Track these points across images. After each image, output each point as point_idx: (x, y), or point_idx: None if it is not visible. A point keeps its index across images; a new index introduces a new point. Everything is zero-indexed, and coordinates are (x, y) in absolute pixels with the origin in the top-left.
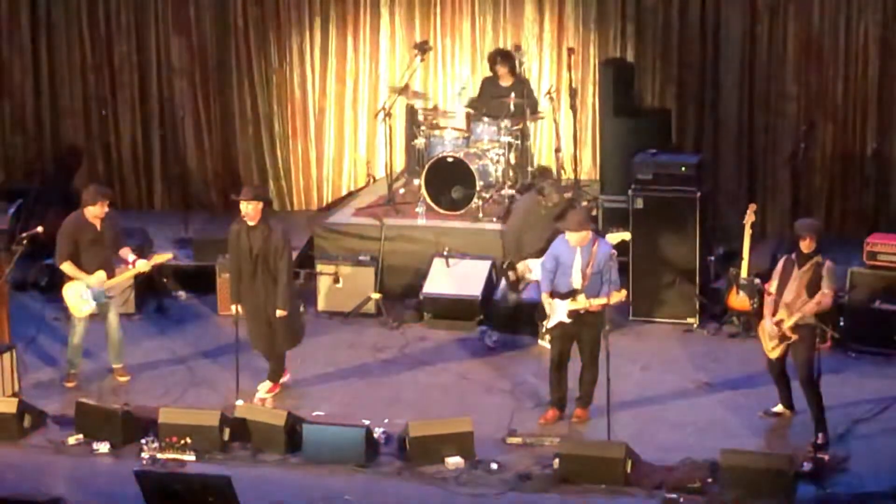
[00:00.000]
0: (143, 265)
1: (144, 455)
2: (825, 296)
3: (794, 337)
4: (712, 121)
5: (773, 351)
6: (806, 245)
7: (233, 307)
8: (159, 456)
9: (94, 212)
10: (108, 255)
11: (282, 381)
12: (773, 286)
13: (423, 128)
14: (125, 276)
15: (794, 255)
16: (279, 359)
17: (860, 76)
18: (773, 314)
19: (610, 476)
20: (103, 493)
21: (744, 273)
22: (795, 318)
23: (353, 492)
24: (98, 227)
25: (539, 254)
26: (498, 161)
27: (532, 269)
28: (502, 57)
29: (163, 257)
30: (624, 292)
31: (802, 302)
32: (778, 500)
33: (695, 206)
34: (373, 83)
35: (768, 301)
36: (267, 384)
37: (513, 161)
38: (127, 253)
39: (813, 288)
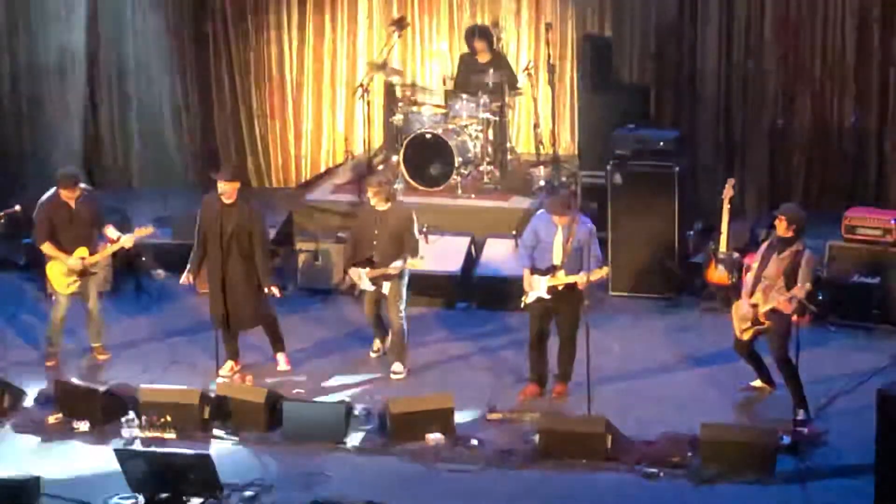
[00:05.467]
0: (125, 240)
1: (125, 434)
2: (797, 294)
3: (768, 324)
4: (690, 96)
5: (745, 333)
6: (780, 228)
7: (185, 275)
8: (140, 434)
9: (66, 193)
10: (88, 233)
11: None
12: (752, 270)
13: (401, 104)
14: (107, 252)
15: (775, 240)
16: (271, 329)
17: (838, 49)
18: (750, 296)
19: (590, 451)
20: (83, 471)
21: (722, 248)
22: (769, 305)
23: (334, 469)
24: (72, 206)
25: (365, 264)
26: (476, 137)
27: (362, 278)
28: (479, 33)
29: (144, 231)
30: (606, 269)
31: (778, 289)
32: (758, 474)
33: (673, 181)
34: (350, 60)
35: (745, 282)
36: (281, 356)
37: (491, 137)
38: (111, 231)
39: (790, 275)
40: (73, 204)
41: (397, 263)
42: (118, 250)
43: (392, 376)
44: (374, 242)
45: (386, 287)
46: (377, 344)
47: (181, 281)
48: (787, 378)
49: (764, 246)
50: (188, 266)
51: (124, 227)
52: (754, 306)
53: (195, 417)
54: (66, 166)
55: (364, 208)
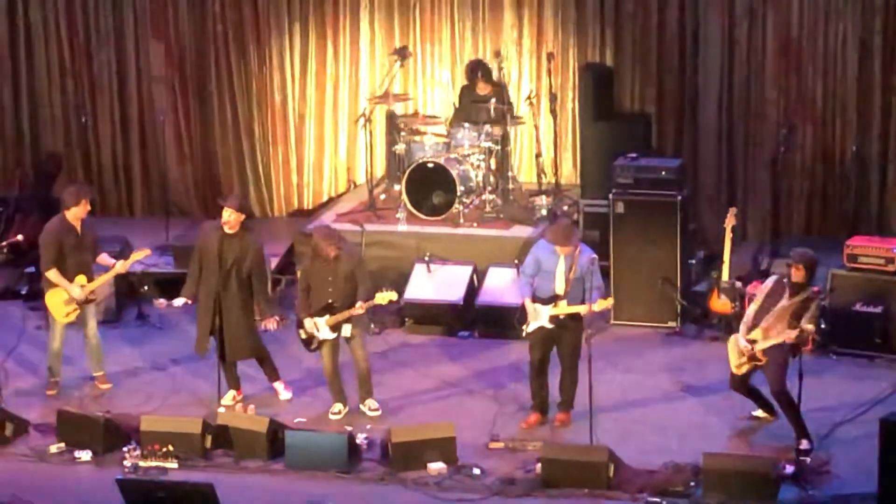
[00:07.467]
0: (121, 265)
1: (126, 463)
2: (802, 332)
3: (764, 360)
4: (692, 124)
5: (741, 368)
6: (796, 275)
7: (178, 300)
8: (141, 464)
9: (77, 213)
10: (89, 260)
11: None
12: (756, 302)
13: (403, 133)
14: (106, 278)
15: (786, 280)
16: (264, 359)
17: (839, 78)
18: (749, 332)
19: (593, 480)
20: (85, 501)
21: (725, 276)
22: (769, 343)
23: (336, 498)
24: (79, 231)
25: (323, 311)
26: (479, 166)
27: (320, 328)
28: (478, 69)
29: (140, 254)
30: (611, 300)
31: (780, 330)
32: None
33: (675, 210)
34: (353, 89)
35: (745, 318)
36: (279, 384)
37: (493, 166)
38: (106, 259)
39: (796, 317)
40: (79, 228)
41: (361, 304)
42: (115, 276)
43: (369, 413)
44: (330, 289)
45: (346, 329)
46: (338, 406)
47: (176, 302)
48: (787, 410)
49: (772, 283)
50: (185, 287)
51: (126, 256)
52: (752, 342)
53: (197, 447)
54: (71, 185)
55: (315, 260)
